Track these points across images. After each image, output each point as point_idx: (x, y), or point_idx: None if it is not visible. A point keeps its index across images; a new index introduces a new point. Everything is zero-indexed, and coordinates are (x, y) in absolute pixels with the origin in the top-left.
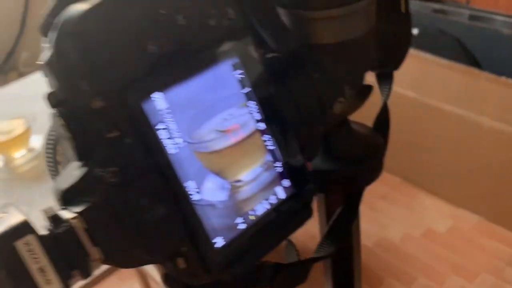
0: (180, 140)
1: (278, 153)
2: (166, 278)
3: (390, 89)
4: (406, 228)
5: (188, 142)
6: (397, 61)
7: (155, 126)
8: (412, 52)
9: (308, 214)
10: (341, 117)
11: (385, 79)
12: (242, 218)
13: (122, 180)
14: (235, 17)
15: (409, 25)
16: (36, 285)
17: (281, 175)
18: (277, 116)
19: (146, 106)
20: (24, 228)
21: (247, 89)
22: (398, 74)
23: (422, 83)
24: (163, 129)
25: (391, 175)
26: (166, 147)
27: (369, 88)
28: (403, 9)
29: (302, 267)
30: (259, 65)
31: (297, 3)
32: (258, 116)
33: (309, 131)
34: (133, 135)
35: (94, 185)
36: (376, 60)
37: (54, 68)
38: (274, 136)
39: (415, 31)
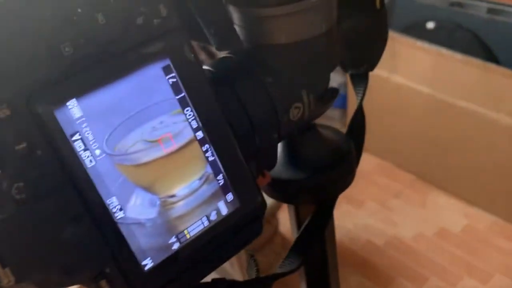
0: (98, 152)
1: (219, 164)
2: None
3: (364, 90)
4: (419, 227)
5: (109, 154)
6: (373, 61)
7: (69, 136)
8: (428, 46)
9: (257, 230)
10: (300, 123)
11: (360, 80)
12: (176, 237)
13: (31, 196)
14: (167, 15)
15: (384, 22)
16: None
17: (224, 189)
18: (219, 124)
19: (59, 115)
20: None
21: (181, 95)
22: (412, 69)
23: (437, 79)
24: (78, 139)
25: (405, 172)
26: (82, 160)
27: (334, 92)
28: (378, 4)
29: (262, 284)
30: (196, 68)
31: (247, 0)
32: (195, 124)
33: (263, 139)
34: (44, 146)
35: (1, 200)
36: (348, 60)
37: None
38: (215, 145)
39: (430, 24)
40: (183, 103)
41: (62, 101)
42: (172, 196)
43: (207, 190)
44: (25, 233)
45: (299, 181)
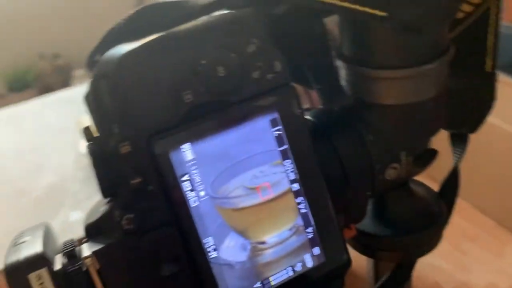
0: (203, 193)
1: (311, 218)
2: None
3: (463, 152)
4: (493, 277)
5: (211, 196)
6: (475, 124)
7: (179, 177)
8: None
9: (336, 287)
10: (394, 183)
11: (459, 140)
12: (261, 283)
13: (138, 228)
14: (280, 70)
15: (493, 85)
16: None
17: (312, 242)
18: (315, 177)
19: (173, 156)
20: (39, 261)
21: (283, 147)
22: (502, 109)
23: None
24: (187, 180)
25: (484, 217)
26: (188, 199)
27: (432, 153)
28: (488, 67)
29: None
30: (301, 123)
31: (360, 59)
32: (293, 176)
33: (355, 194)
34: (156, 183)
35: (112, 227)
36: (449, 119)
37: (90, 105)
38: (309, 198)
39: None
40: (284, 155)
41: (177, 145)
42: (263, 242)
43: (296, 241)
44: (127, 262)
45: (383, 237)
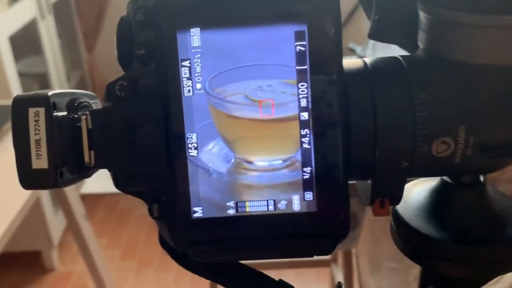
0: (199, 86)
1: (312, 156)
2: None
3: None
4: None
5: (207, 92)
6: None
7: (180, 60)
8: None
9: (324, 249)
10: (446, 164)
11: None
12: (235, 203)
13: (127, 95)
14: None
15: None
16: (29, 154)
17: (306, 184)
18: (331, 115)
19: (180, 37)
20: (41, 100)
21: (302, 66)
22: None
23: None
24: (187, 66)
25: None
26: (182, 87)
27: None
28: None
29: None
30: (331, 46)
31: (450, 1)
32: (304, 103)
33: (385, 158)
34: (157, 60)
35: (108, 92)
36: None
37: None
38: (316, 135)
39: None
40: (300, 76)
41: (187, 26)
42: (249, 162)
43: (287, 176)
44: (112, 126)
45: (434, 240)
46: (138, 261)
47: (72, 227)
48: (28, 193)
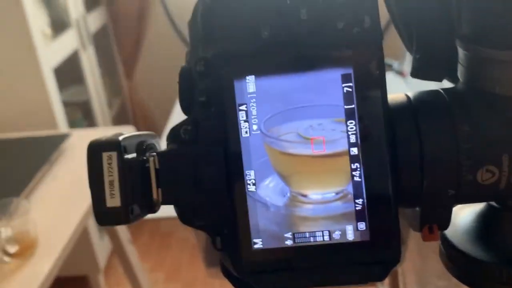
0: (255, 127)
1: (363, 189)
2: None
3: None
4: None
5: (263, 133)
6: None
7: (238, 105)
8: None
9: (375, 275)
10: (493, 191)
11: None
12: (292, 234)
13: (191, 139)
14: (369, 27)
15: None
16: (104, 194)
17: (358, 214)
18: (379, 149)
19: (237, 84)
20: (113, 145)
21: (350, 106)
22: None
23: None
24: (244, 110)
25: None
26: (240, 128)
27: None
28: None
29: None
30: (377, 85)
31: (482, 38)
32: (353, 139)
33: (432, 187)
34: (217, 106)
35: (175, 135)
36: None
37: (189, 27)
38: (366, 168)
39: None
40: (349, 114)
41: (243, 74)
42: (304, 195)
43: (340, 207)
44: (178, 167)
45: (484, 263)
46: (182, 284)
47: (118, 252)
48: (77, 220)
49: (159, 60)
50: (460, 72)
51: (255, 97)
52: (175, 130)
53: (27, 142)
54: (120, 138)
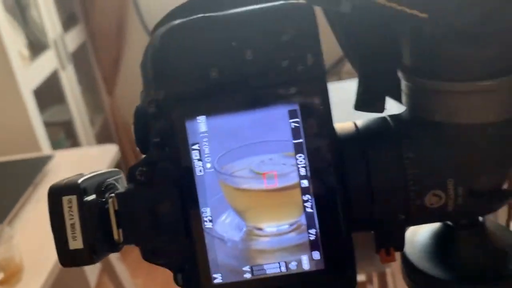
0: (209, 165)
1: (316, 219)
2: None
3: None
4: None
5: (216, 170)
6: None
7: (191, 145)
8: None
9: None
10: (441, 214)
11: None
12: (250, 268)
13: (147, 180)
14: (312, 64)
15: None
16: (65, 237)
17: (312, 245)
18: (329, 181)
19: (188, 125)
20: (72, 189)
21: (298, 140)
22: None
23: None
24: (197, 149)
25: None
26: (194, 167)
27: (501, 195)
28: None
29: None
30: (322, 120)
31: (421, 70)
32: (303, 172)
33: (384, 213)
34: (170, 146)
35: (129, 178)
36: None
37: (141, 69)
38: (317, 199)
39: None
40: (298, 149)
41: (194, 115)
42: (259, 229)
43: (295, 238)
44: (136, 207)
45: (441, 281)
46: None
47: (108, 271)
48: None
49: (139, 74)
50: (403, 100)
51: (207, 136)
52: (132, 171)
53: (9, 165)
54: (79, 181)
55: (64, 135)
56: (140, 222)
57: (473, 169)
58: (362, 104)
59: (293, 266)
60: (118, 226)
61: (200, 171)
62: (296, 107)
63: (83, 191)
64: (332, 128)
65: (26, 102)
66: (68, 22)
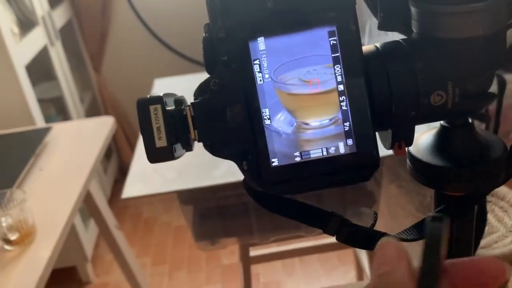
0: (267, 76)
1: (349, 114)
2: (243, 182)
3: None
4: None
5: (273, 80)
6: None
7: (252, 60)
8: None
9: (363, 176)
10: (442, 110)
11: None
12: (299, 153)
13: (219, 89)
14: None
15: None
16: (153, 137)
17: (347, 134)
18: (359, 85)
19: (251, 44)
20: (157, 100)
21: (336, 54)
22: None
23: None
24: (257, 64)
25: None
26: (256, 77)
27: (487, 96)
28: None
29: (369, 234)
30: (354, 38)
31: None
32: (340, 79)
33: (399, 110)
34: (236, 62)
35: (205, 88)
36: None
37: (208, 5)
38: (350, 99)
39: None
40: (335, 61)
41: (255, 36)
42: (306, 124)
43: (333, 130)
44: (209, 111)
45: (441, 168)
46: (169, 265)
47: (107, 238)
48: (70, 207)
49: (125, 51)
50: (413, 25)
51: (265, 53)
52: (204, 85)
53: (10, 138)
54: (161, 94)
55: (55, 111)
56: (213, 122)
57: (467, 73)
58: (383, 25)
59: (332, 150)
60: (194, 128)
61: (260, 80)
62: (334, 28)
63: (165, 102)
64: (360, 45)
65: (20, 78)
66: None
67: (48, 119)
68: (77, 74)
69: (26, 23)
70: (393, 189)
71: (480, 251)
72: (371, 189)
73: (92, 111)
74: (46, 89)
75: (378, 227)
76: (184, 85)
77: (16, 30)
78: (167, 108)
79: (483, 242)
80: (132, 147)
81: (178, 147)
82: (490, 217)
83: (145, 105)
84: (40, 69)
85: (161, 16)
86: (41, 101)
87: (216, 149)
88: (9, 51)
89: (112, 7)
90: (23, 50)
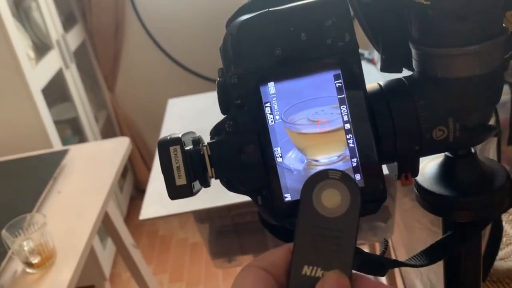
0: (278, 117)
1: (356, 151)
2: (258, 214)
3: None
4: None
5: (284, 120)
6: None
7: (264, 103)
8: None
9: (372, 210)
10: (444, 145)
11: None
12: None
13: (233, 131)
14: (348, 40)
15: None
16: (173, 176)
17: (354, 169)
18: (364, 124)
19: (262, 89)
20: (176, 141)
21: (341, 95)
22: None
23: None
24: (268, 106)
25: None
26: (267, 119)
27: (486, 128)
28: None
29: (379, 262)
30: (358, 80)
31: (425, 41)
32: (346, 118)
33: (403, 145)
34: (249, 105)
35: (220, 129)
36: None
37: (221, 53)
38: (356, 137)
39: None
40: (341, 102)
41: (265, 81)
42: (316, 160)
43: (342, 166)
44: (225, 151)
45: (446, 197)
46: (186, 282)
47: (124, 257)
48: (89, 228)
49: (138, 70)
50: (414, 64)
51: (276, 96)
52: (219, 126)
53: (28, 161)
54: (179, 135)
55: (71, 132)
56: (229, 161)
57: (466, 109)
58: (385, 68)
59: None
60: (211, 166)
61: (272, 121)
62: (339, 71)
63: (183, 143)
64: (364, 86)
65: (37, 101)
66: (67, 22)
67: (64, 140)
68: (92, 95)
69: (41, 47)
70: (407, 202)
71: (498, 263)
72: (386, 204)
73: (107, 130)
74: (61, 110)
75: (395, 240)
76: (197, 105)
77: (32, 54)
78: (186, 148)
79: (501, 253)
80: (147, 164)
81: (197, 183)
82: (508, 227)
83: (165, 146)
84: (55, 91)
85: (172, 35)
86: (57, 123)
87: (232, 185)
88: (26, 76)
89: (124, 28)
90: (39, 74)
